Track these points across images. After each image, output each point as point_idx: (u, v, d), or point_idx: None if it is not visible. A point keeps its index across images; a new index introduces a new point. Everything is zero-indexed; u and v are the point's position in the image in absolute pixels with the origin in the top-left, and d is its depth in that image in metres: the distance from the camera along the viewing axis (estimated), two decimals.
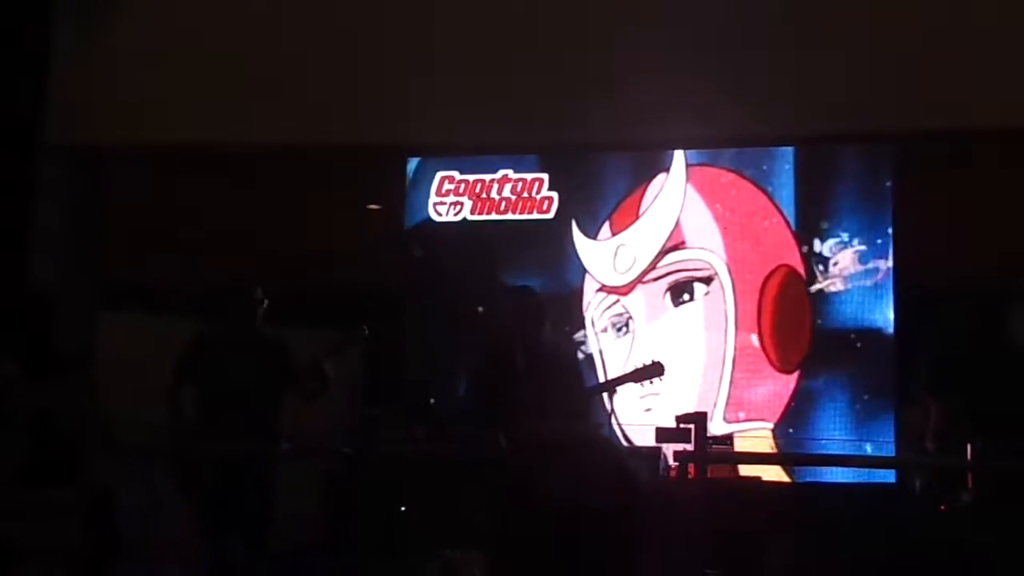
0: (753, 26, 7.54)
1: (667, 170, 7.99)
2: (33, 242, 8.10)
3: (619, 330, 7.85)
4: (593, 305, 7.98)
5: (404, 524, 5.99)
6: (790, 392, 7.54)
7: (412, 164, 8.30)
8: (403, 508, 5.98)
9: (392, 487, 6.12)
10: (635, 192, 8.07)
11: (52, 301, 7.69)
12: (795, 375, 7.55)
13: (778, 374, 7.59)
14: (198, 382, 6.61)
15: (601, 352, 7.85)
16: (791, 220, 7.70)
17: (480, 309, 6.12)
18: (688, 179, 7.98)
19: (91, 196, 8.52)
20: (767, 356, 7.62)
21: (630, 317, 7.88)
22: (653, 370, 6.03)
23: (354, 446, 6.44)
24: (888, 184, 7.54)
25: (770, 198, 7.76)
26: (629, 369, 6.54)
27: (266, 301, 6.68)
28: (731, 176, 7.91)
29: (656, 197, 8.02)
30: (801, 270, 7.63)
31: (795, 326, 7.62)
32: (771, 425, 7.54)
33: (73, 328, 7.91)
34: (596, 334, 7.90)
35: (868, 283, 7.46)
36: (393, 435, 6.07)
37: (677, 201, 7.96)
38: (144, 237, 10.09)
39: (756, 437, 7.44)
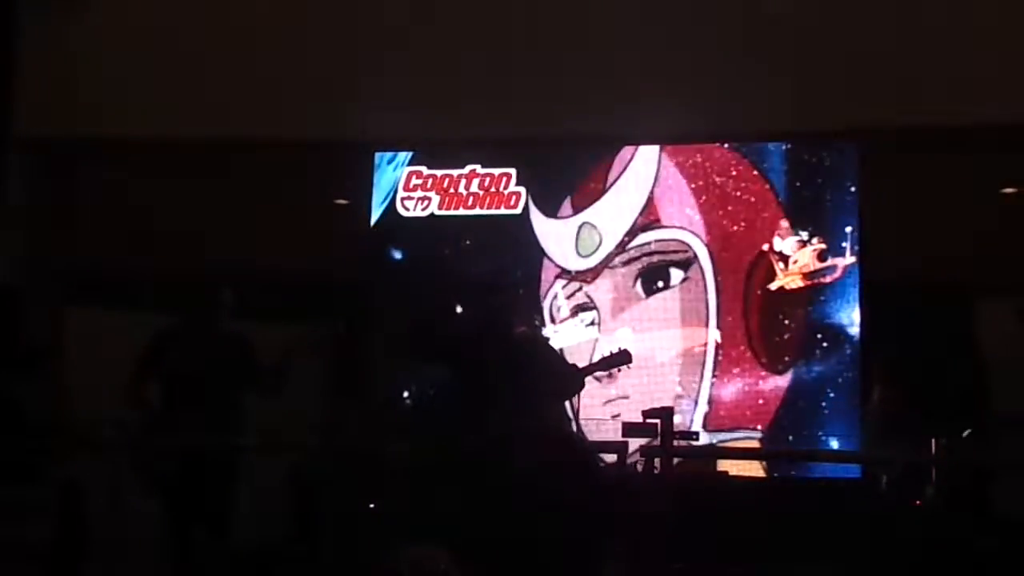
0: (718, 24, 7.57)
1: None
2: None
3: (586, 326, 7.75)
4: (552, 294, 7.79)
5: (372, 520, 5.99)
6: (780, 395, 7.37)
7: (379, 159, 8.28)
8: (371, 505, 5.97)
9: (360, 483, 6.12)
10: (601, 162, 7.76)
11: (17, 295, 7.65)
12: (786, 376, 7.37)
13: (765, 375, 7.44)
14: (161, 376, 6.63)
15: (562, 351, 7.69)
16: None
17: (459, 309, 6.07)
18: (661, 148, 7.69)
19: (57, 190, 8.47)
20: (753, 354, 7.46)
21: (595, 308, 7.73)
22: (620, 358, 6.01)
23: (322, 441, 6.44)
24: (849, 183, 7.51)
25: (757, 168, 7.58)
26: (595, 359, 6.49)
27: (231, 297, 6.70)
28: (711, 145, 7.68)
29: (625, 168, 7.67)
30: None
31: (785, 319, 7.46)
32: (758, 435, 7.36)
33: (38, 323, 7.87)
34: (555, 329, 7.73)
35: (827, 280, 7.42)
36: (362, 430, 6.07)
37: (650, 173, 7.67)
38: (110, 232, 10.04)
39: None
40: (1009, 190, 8.71)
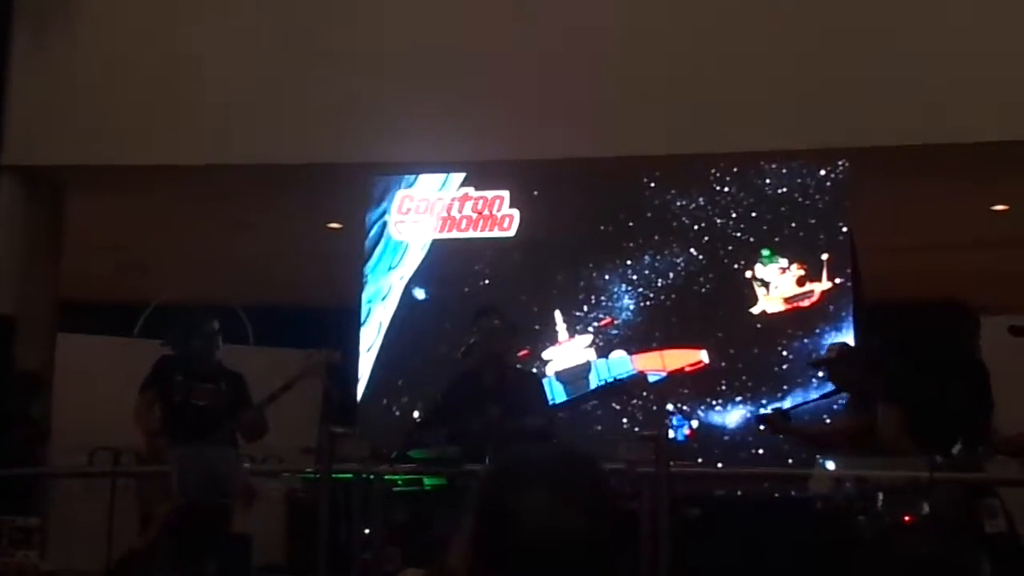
0: (711, 39, 7.60)
1: None
2: None
3: (584, 347, 7.77)
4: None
5: (368, 546, 5.98)
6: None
7: (373, 183, 8.29)
8: (367, 531, 5.96)
9: (356, 508, 6.10)
10: None
11: (9, 322, 7.64)
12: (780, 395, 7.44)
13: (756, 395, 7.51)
14: (164, 404, 6.68)
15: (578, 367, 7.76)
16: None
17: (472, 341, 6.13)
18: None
19: (47, 218, 8.45)
20: (743, 374, 7.54)
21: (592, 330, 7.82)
22: (635, 382, 5.99)
23: (317, 466, 6.43)
24: (829, 209, 7.57)
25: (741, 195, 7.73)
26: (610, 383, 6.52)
27: (220, 332, 6.79)
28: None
29: None
30: None
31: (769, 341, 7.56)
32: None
33: (30, 348, 7.85)
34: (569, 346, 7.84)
35: (804, 304, 7.49)
36: (357, 455, 6.05)
37: None
38: (101, 258, 10.03)
39: None
40: (999, 207, 8.76)
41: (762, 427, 6.67)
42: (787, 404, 7.06)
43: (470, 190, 8.09)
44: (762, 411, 6.97)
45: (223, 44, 8.11)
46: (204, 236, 9.81)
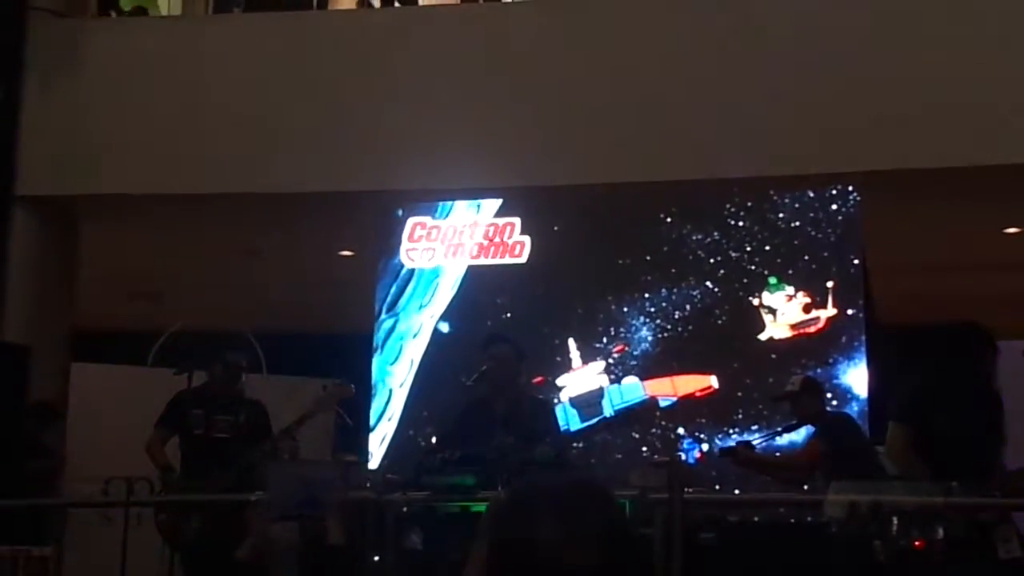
0: (708, 69, 7.63)
1: None
2: (3, 293, 8.06)
3: (597, 374, 7.77)
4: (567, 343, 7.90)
5: (381, 572, 5.97)
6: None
7: (399, 220, 8.29)
8: (376, 558, 5.96)
9: (370, 535, 6.10)
10: None
11: (24, 352, 7.66)
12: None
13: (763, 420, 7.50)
14: (183, 438, 6.72)
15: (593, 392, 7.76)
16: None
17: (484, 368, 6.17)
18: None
19: (61, 247, 8.48)
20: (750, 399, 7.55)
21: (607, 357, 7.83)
22: (647, 406, 5.99)
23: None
24: (835, 240, 7.61)
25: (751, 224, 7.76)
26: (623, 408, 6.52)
27: (246, 363, 6.83)
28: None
29: None
30: None
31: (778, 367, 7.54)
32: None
33: (44, 378, 7.87)
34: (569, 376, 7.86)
35: (811, 331, 7.50)
36: (370, 481, 6.07)
37: None
38: (115, 287, 10.06)
39: None
40: (1012, 230, 8.74)
41: (727, 459, 6.69)
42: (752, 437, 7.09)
43: (481, 216, 8.10)
44: (725, 444, 7.02)
45: (235, 73, 8.15)
46: (217, 264, 9.84)
